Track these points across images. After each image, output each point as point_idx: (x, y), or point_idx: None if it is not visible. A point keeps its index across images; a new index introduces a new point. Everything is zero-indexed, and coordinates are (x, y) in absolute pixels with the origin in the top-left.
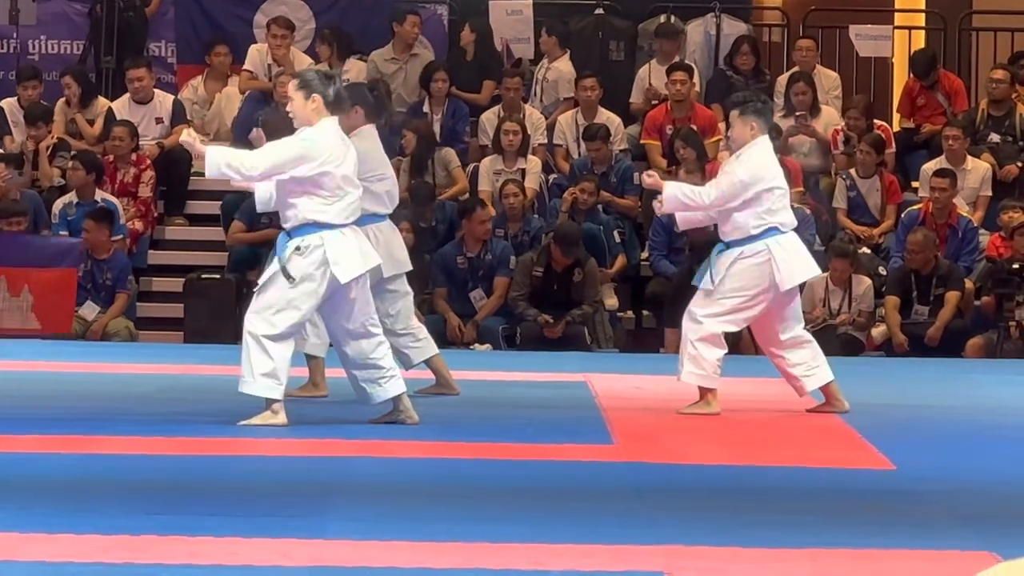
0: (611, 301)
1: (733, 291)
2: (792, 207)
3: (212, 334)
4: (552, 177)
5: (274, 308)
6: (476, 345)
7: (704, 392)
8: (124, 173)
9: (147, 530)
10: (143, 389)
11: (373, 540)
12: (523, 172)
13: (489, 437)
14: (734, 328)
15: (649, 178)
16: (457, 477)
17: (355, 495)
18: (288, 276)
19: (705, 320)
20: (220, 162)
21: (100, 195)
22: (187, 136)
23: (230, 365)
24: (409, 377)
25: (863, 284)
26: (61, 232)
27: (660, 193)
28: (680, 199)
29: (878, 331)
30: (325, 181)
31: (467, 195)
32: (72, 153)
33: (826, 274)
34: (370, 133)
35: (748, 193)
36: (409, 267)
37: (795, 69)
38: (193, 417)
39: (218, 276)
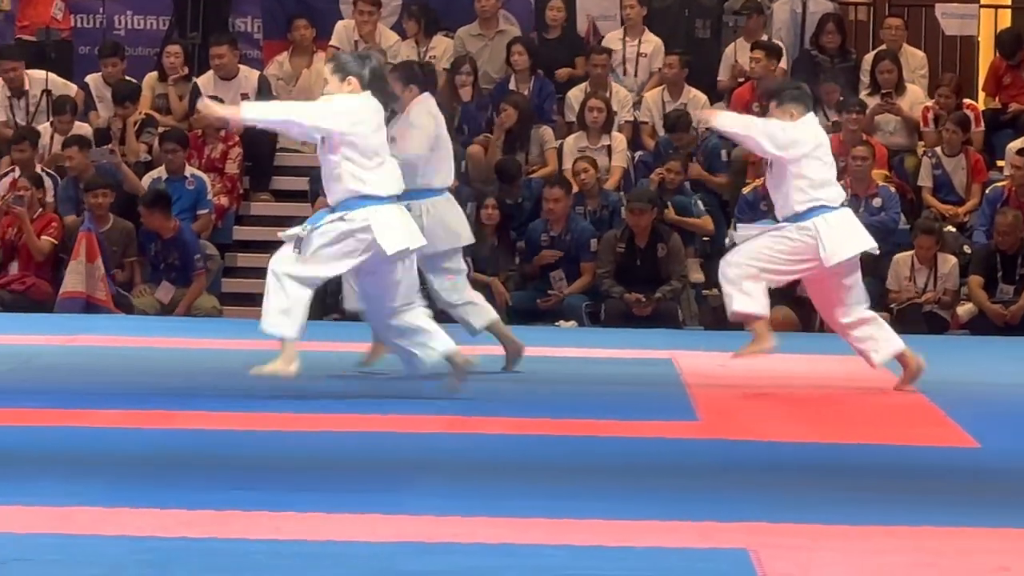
0: (697, 276)
1: (772, 250)
2: (878, 185)
3: None
4: (638, 154)
5: (303, 261)
6: (561, 322)
7: (752, 322)
8: (211, 149)
9: (230, 505)
10: (228, 364)
11: (456, 516)
12: (608, 149)
13: (573, 414)
14: (769, 283)
15: (707, 113)
16: (541, 453)
17: (438, 471)
18: (298, 246)
19: (744, 262)
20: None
21: (189, 170)
22: (202, 104)
23: (314, 341)
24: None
25: (948, 262)
26: None
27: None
28: (732, 115)
29: (963, 309)
30: (359, 142)
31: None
32: (162, 131)
33: (911, 252)
34: (424, 108)
35: (793, 149)
36: (467, 241)
37: (881, 47)
38: (276, 392)
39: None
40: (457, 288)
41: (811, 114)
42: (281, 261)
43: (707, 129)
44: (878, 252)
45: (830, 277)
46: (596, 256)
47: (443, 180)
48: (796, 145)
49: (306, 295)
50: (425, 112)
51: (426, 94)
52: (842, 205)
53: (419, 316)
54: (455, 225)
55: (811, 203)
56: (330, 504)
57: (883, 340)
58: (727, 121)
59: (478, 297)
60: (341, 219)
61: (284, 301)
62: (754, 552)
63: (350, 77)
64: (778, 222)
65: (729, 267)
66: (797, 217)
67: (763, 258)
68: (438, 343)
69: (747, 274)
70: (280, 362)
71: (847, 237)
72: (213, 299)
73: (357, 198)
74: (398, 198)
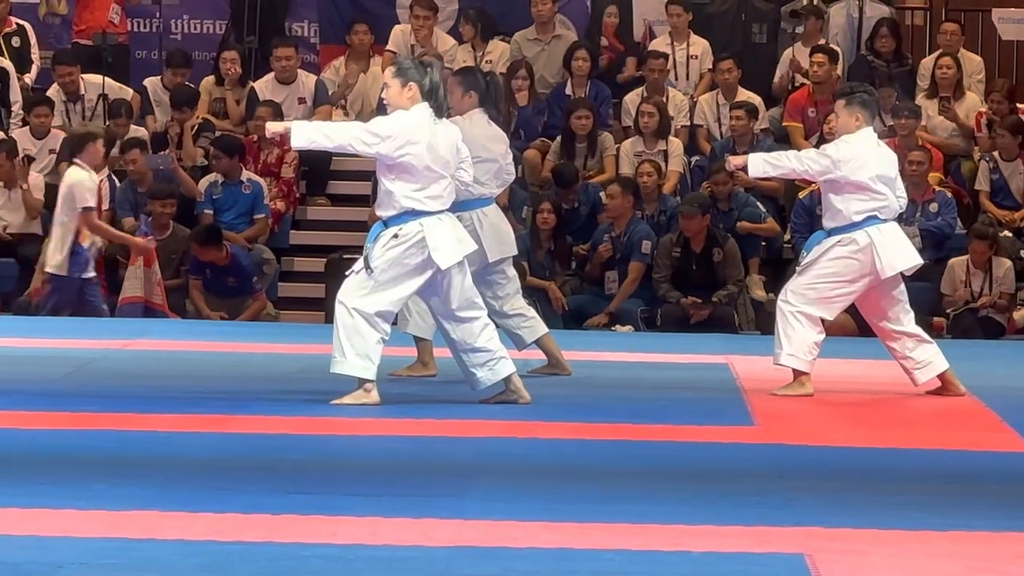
0: (759, 293)
1: (828, 277)
2: (935, 190)
3: None
4: (694, 159)
5: (369, 290)
6: (617, 327)
7: (798, 374)
8: (267, 154)
9: (287, 509)
10: (284, 369)
11: (514, 520)
12: (664, 154)
13: (630, 418)
14: (828, 316)
15: (735, 159)
16: (597, 458)
17: (496, 475)
18: (368, 266)
19: (799, 304)
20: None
21: (246, 175)
22: (271, 127)
23: None
24: (521, 357)
25: (1004, 266)
26: (206, 211)
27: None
28: (764, 163)
29: (1020, 314)
30: (410, 163)
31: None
32: (214, 137)
33: (966, 257)
34: (479, 118)
35: (835, 173)
36: (514, 252)
37: (939, 52)
38: (333, 397)
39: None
40: (509, 297)
41: (870, 129)
42: (351, 294)
43: (730, 174)
44: (923, 263)
45: (879, 288)
46: (647, 257)
47: (491, 189)
48: (838, 166)
49: (380, 338)
50: (475, 122)
51: (479, 110)
52: (895, 218)
53: (485, 332)
54: (504, 237)
55: (865, 214)
56: (387, 508)
57: (928, 360)
58: (760, 168)
59: (529, 310)
60: (395, 236)
61: (362, 345)
62: (810, 557)
63: (411, 84)
64: (827, 231)
65: (785, 307)
66: (851, 227)
67: (820, 291)
68: (500, 367)
69: (803, 316)
70: (360, 392)
71: (900, 249)
72: (269, 304)
73: (408, 213)
74: (450, 208)
